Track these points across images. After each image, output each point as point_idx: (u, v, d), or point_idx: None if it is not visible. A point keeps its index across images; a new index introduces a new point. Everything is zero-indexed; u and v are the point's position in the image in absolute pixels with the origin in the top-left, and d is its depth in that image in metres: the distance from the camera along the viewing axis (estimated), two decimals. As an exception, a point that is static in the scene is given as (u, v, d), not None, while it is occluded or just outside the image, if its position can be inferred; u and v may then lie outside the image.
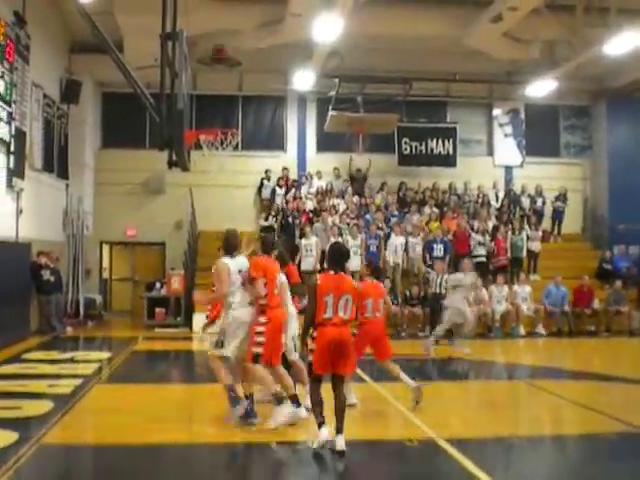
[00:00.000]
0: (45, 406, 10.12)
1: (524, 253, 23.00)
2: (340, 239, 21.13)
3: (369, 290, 10.43)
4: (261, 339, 8.98)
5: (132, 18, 18.44)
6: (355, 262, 19.61)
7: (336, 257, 8.50)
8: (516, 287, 21.58)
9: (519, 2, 18.51)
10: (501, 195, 26.01)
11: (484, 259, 22.21)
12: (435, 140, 26.03)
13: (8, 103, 17.25)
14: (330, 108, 23.32)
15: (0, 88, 16.68)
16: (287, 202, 23.85)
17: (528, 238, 23.29)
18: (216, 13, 19.79)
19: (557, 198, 25.94)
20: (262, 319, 9.02)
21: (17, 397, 10.74)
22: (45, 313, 19.41)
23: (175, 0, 11.40)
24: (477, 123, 27.70)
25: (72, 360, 15.10)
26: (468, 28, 20.57)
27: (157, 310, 21.90)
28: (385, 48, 22.68)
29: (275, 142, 26.50)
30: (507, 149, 27.43)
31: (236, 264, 9.33)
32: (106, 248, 25.89)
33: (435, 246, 21.78)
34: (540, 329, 21.08)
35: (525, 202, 25.83)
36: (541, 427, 10.13)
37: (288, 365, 10.17)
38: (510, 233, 22.92)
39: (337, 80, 22.90)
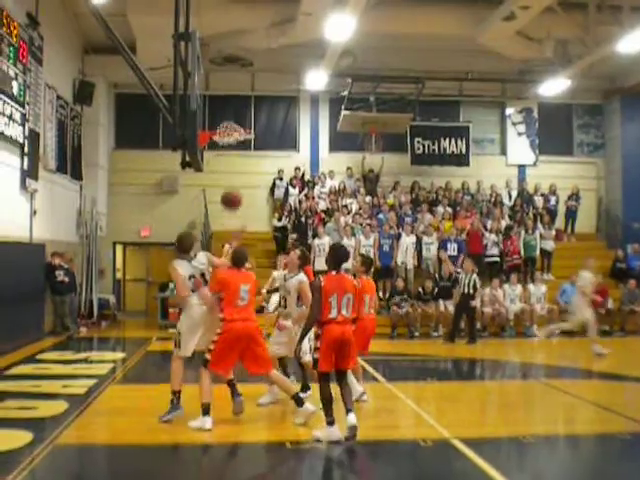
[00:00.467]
0: (59, 406, 10.16)
1: (537, 252, 22.93)
2: (353, 239, 21.16)
3: (366, 286, 10.54)
4: (212, 347, 9.10)
5: (145, 19, 18.48)
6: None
7: (337, 258, 8.79)
8: (531, 287, 21.52)
9: (531, 0, 18.46)
10: (514, 194, 25.93)
11: (497, 259, 22.20)
12: (448, 139, 25.98)
13: (22, 104, 17.30)
14: (343, 108, 23.33)
15: (14, 89, 16.73)
16: (300, 202, 23.85)
17: (541, 237, 23.23)
18: (228, 13, 19.82)
19: (570, 197, 25.87)
20: (218, 329, 9.13)
21: (32, 397, 10.78)
22: (59, 314, 19.47)
23: (188, 0, 11.40)
24: (490, 122, 27.63)
25: (86, 360, 15.16)
26: (480, 27, 20.53)
27: (171, 310, 21.90)
28: (397, 47, 22.66)
29: (288, 142, 26.50)
30: (520, 148, 27.35)
31: (187, 269, 9.59)
32: (119, 249, 25.96)
33: (449, 245, 21.79)
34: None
35: (538, 201, 25.75)
36: (556, 427, 10.10)
37: (301, 366, 10.22)
38: (523, 232, 22.87)
39: (349, 80, 22.91)
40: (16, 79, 16.86)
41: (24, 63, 17.38)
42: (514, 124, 27.36)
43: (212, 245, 23.57)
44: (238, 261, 9.39)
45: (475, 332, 19.22)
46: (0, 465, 7.46)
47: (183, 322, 9.60)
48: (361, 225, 22.23)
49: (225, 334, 9.01)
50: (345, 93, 23.23)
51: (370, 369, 13.06)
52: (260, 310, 12.42)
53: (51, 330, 19.18)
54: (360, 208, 23.68)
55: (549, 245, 23.33)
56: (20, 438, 8.42)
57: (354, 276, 9.91)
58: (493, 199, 25.25)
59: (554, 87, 23.49)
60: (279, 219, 23.48)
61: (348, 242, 20.45)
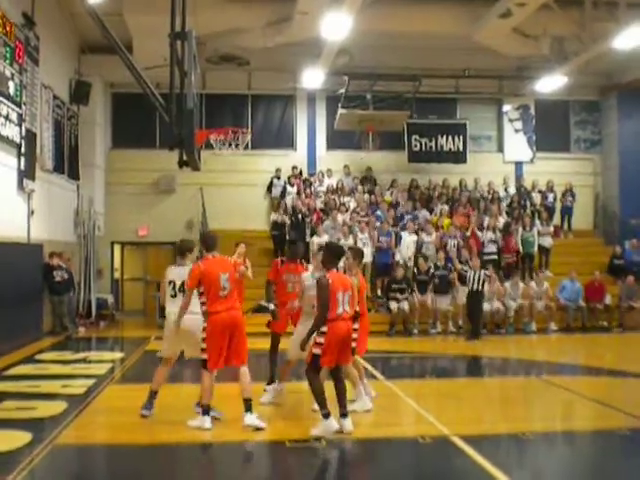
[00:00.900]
0: (59, 406, 10.16)
1: (535, 249, 22.98)
2: (350, 237, 21.18)
3: (363, 283, 10.52)
4: (203, 345, 9.01)
5: (141, 18, 18.49)
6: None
7: (334, 256, 8.89)
8: (533, 284, 21.49)
9: (528, -3, 18.49)
10: (511, 191, 25.94)
11: (495, 256, 22.22)
12: (445, 137, 25.95)
13: (18, 104, 17.28)
14: (339, 106, 23.35)
15: (10, 90, 16.70)
16: (298, 200, 23.84)
17: (539, 234, 23.26)
18: (224, 12, 19.83)
19: (564, 194, 25.89)
20: (204, 325, 9.02)
21: (31, 398, 10.79)
22: (57, 314, 19.44)
23: (184, 0, 11.41)
24: (487, 119, 27.64)
25: (85, 360, 15.15)
26: (477, 24, 20.55)
27: (169, 310, 21.89)
28: (394, 45, 22.65)
29: (285, 140, 26.50)
30: (517, 145, 27.35)
31: (173, 275, 9.69)
32: (117, 248, 25.92)
33: (449, 241, 21.88)
34: (552, 325, 21.03)
35: (536, 198, 25.78)
36: (555, 423, 10.12)
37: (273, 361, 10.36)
38: (521, 229, 22.90)
39: (346, 78, 22.94)
40: (12, 79, 16.83)
41: (20, 63, 17.35)
42: (511, 121, 27.36)
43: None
44: (209, 246, 9.32)
45: (479, 329, 19.32)
46: (0, 465, 7.46)
47: (165, 326, 9.74)
48: (359, 223, 22.24)
49: (211, 327, 8.91)
50: (342, 91, 23.25)
51: (369, 367, 13.06)
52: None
53: (50, 330, 19.16)
54: (358, 206, 23.68)
55: (547, 242, 23.37)
56: (19, 438, 8.42)
57: (344, 272, 9.94)
58: (490, 196, 25.25)
59: (551, 84, 23.51)
60: (275, 212, 23.49)
61: (345, 241, 20.44)
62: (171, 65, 11.31)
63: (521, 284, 21.30)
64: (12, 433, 8.71)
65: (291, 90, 25.86)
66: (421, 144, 25.87)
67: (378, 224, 22.43)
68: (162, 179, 24.85)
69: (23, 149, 17.66)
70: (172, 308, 9.55)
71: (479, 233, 22.55)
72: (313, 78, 23.37)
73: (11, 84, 16.77)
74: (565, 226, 26.03)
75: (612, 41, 19.30)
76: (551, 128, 27.38)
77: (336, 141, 26.14)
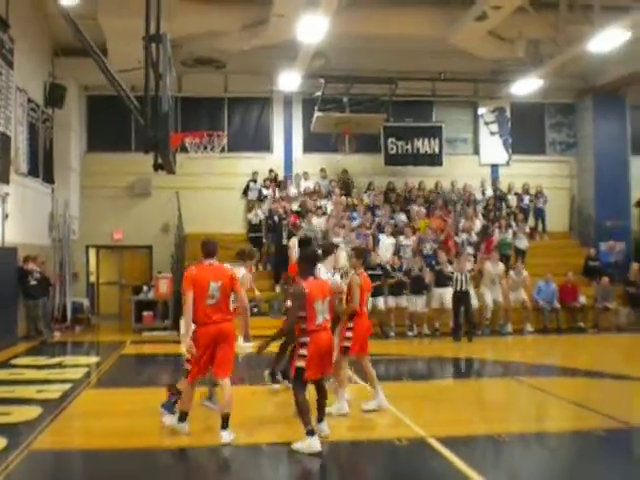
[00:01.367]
0: (34, 412, 10.09)
1: (511, 251, 23.10)
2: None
3: (367, 283, 10.49)
4: (187, 356, 8.85)
5: (116, 21, 18.37)
6: (343, 259, 19.57)
7: (311, 262, 8.69)
8: (512, 273, 21.51)
9: (503, 0, 18.53)
10: (488, 193, 26.05)
11: (472, 258, 22.29)
12: (421, 139, 26.01)
13: (-8, 108, 17.18)
14: (316, 109, 23.33)
15: (-16, 93, 16.60)
16: (274, 203, 23.80)
17: (515, 236, 23.39)
18: (200, 15, 19.78)
19: (536, 196, 25.98)
20: (193, 334, 8.74)
21: (5, 403, 10.71)
22: (32, 318, 19.27)
23: (159, 2, 11.35)
24: (463, 122, 27.72)
25: (60, 365, 15.02)
26: (453, 27, 20.60)
27: (145, 314, 21.83)
28: (370, 48, 22.66)
29: (261, 143, 26.45)
30: (493, 147, 27.45)
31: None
32: (93, 252, 25.78)
33: (425, 245, 21.96)
34: (528, 327, 21.12)
35: (512, 200, 25.91)
36: (531, 424, 10.14)
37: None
38: (497, 231, 23.01)
39: (323, 81, 22.91)
40: (-14, 82, 16.72)
41: (-6, 66, 17.25)
42: (487, 124, 27.46)
43: (186, 247, 23.52)
44: (207, 253, 8.96)
45: (473, 329, 19.59)
46: (-26, 471, 7.41)
47: None
48: (335, 226, 22.24)
49: (195, 339, 8.60)
50: (318, 94, 23.23)
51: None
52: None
53: (24, 335, 19.02)
54: (334, 209, 23.69)
55: (523, 243, 23.53)
56: (-6, 444, 8.36)
57: (345, 273, 9.94)
58: (467, 199, 25.34)
59: (526, 86, 23.60)
60: (252, 215, 23.48)
61: (338, 239, 20.53)
62: (146, 68, 11.25)
63: (499, 285, 21.32)
64: (-14, 439, 8.63)
65: (267, 93, 25.82)
66: (397, 147, 25.92)
67: (355, 223, 22.49)
68: (138, 182, 24.74)
69: (-3, 152, 17.55)
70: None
71: (456, 237, 22.65)
72: (289, 81, 23.34)
73: (-15, 87, 16.65)
74: (540, 228, 26.14)
75: (587, 44, 19.40)
76: (527, 131, 27.51)
77: (313, 144, 26.13)
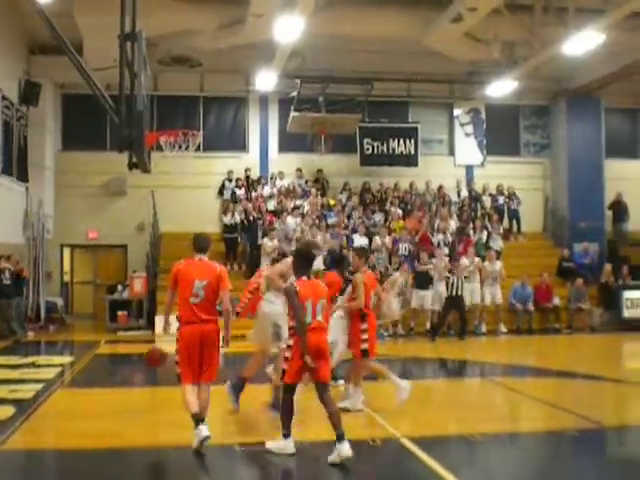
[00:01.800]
0: (6, 411, 10.00)
1: (486, 251, 23.20)
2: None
3: (372, 281, 10.55)
4: (177, 357, 8.43)
5: (91, 19, 18.26)
6: (318, 261, 19.63)
7: (306, 262, 8.41)
8: (487, 264, 21.58)
9: (478, 2, 18.61)
10: (463, 194, 26.15)
11: (447, 258, 22.36)
12: (397, 140, 26.06)
13: (-34, 105, 17.05)
14: (292, 109, 23.32)
15: (-43, 90, 16.48)
16: (249, 203, 23.77)
17: (490, 237, 23.50)
18: (176, 14, 19.68)
19: (509, 197, 26.11)
20: (177, 333, 8.45)
21: (-23, 403, 10.62)
22: (6, 317, 19.16)
23: (134, 0, 11.30)
24: (438, 123, 27.81)
25: (34, 365, 14.90)
26: (428, 28, 20.65)
27: (119, 313, 21.76)
28: (346, 49, 22.71)
29: (237, 143, 26.41)
30: (468, 148, 27.57)
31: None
32: (67, 251, 25.63)
33: (400, 245, 22.00)
34: (502, 327, 21.22)
35: (486, 201, 26.03)
36: (505, 424, 10.17)
37: None
38: (472, 232, 23.12)
39: (299, 81, 22.92)
40: (-40, 79, 16.60)
41: (-32, 63, 17.13)
42: (462, 125, 27.57)
43: (161, 247, 23.46)
44: (198, 248, 8.60)
45: (466, 328, 19.89)
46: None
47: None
48: (310, 226, 22.27)
49: (180, 339, 8.32)
50: (294, 94, 23.23)
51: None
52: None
53: (-3, 334, 18.93)
54: (310, 209, 23.70)
55: (497, 244, 23.59)
56: (-34, 444, 8.30)
57: (352, 273, 10.01)
58: (441, 199, 25.43)
59: (501, 88, 23.70)
60: (227, 215, 23.40)
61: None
62: (121, 66, 11.20)
63: (477, 285, 21.33)
64: (-42, 439, 8.58)
65: (244, 92, 25.82)
66: (373, 147, 25.96)
67: (331, 222, 22.53)
68: (113, 181, 24.63)
69: (-29, 150, 17.43)
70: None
71: (432, 237, 22.73)
72: (266, 80, 23.33)
73: (-42, 84, 16.53)
74: (514, 229, 26.28)
75: (561, 46, 19.52)
76: (501, 132, 27.66)
77: (288, 144, 26.11)
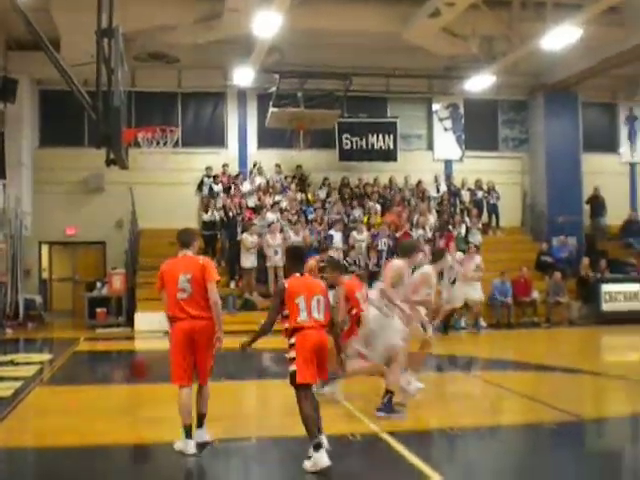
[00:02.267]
0: (-16, 410, 9.96)
1: (465, 246, 23.27)
2: (279, 236, 21.19)
3: (354, 286, 10.64)
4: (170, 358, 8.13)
5: (69, 15, 18.21)
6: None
7: (297, 259, 8.22)
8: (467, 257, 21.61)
9: (456, -3, 18.69)
10: (442, 189, 26.21)
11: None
12: (375, 135, 26.06)
13: (-59, 102, 16.91)
14: (271, 104, 23.29)
15: None
16: (228, 198, 23.71)
17: (468, 231, 23.58)
18: (153, 9, 19.65)
19: (488, 192, 26.20)
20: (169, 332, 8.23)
21: (-45, 401, 10.56)
22: (-17, 315, 19.09)
23: (111, -4, 11.28)
24: (417, 118, 27.88)
25: (12, 362, 14.83)
26: (407, 23, 20.71)
27: (98, 310, 21.69)
28: (325, 44, 22.70)
29: (216, 138, 26.34)
30: (447, 143, 27.64)
31: None
32: (45, 248, 25.50)
33: (379, 241, 22.02)
34: (481, 321, 21.29)
35: (465, 195, 26.11)
36: (484, 418, 10.20)
37: None
38: (451, 227, 23.19)
39: (277, 76, 22.88)
40: None
41: (-57, 59, 16.98)
42: (441, 120, 27.63)
43: (140, 243, 23.38)
44: (181, 244, 8.35)
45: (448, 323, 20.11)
46: None
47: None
48: (290, 222, 22.27)
49: (172, 338, 8.05)
50: (273, 89, 23.21)
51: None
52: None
53: (-25, 332, 18.82)
54: (289, 204, 23.68)
55: (476, 239, 23.67)
56: (-57, 443, 8.25)
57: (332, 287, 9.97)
58: (420, 194, 25.48)
59: (480, 83, 23.78)
60: (206, 212, 23.30)
61: (273, 242, 20.64)
62: (98, 62, 11.18)
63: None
64: None
65: (222, 88, 25.75)
66: (352, 142, 25.94)
67: (310, 217, 22.55)
68: (91, 178, 24.49)
69: (-53, 147, 17.30)
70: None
71: (412, 232, 22.77)
72: (244, 76, 23.30)
73: None
74: (493, 223, 26.37)
75: (539, 41, 19.61)
76: (480, 127, 27.74)
77: (267, 139, 26.09)
